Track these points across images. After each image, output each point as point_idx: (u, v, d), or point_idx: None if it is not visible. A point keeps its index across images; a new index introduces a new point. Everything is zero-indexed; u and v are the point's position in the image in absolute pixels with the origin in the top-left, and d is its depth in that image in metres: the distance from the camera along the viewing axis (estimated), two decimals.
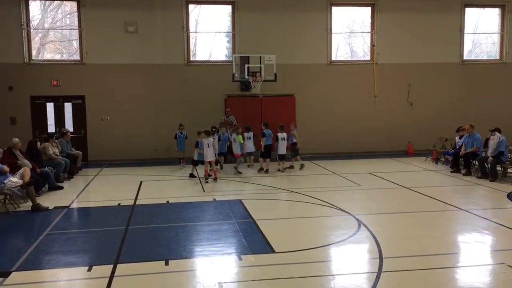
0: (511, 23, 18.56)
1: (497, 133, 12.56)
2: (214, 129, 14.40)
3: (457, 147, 14.02)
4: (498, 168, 12.45)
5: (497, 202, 10.19)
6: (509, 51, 18.62)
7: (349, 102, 17.80)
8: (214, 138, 14.17)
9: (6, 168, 9.50)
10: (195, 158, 12.98)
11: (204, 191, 11.39)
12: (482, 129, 13.65)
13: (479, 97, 18.38)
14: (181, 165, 14.83)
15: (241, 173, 13.61)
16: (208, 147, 12.53)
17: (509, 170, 12.58)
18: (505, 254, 6.64)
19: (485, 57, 19.44)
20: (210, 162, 12.57)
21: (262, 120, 16.94)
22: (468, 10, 18.45)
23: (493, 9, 18.92)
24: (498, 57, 18.97)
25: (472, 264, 6.34)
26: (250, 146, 14.38)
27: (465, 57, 18.63)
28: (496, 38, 19.11)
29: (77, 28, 16.56)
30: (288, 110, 17.16)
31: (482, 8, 18.97)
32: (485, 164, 12.59)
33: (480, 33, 19.43)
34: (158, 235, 7.77)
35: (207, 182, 12.31)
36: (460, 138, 14.11)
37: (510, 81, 18.64)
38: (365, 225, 8.05)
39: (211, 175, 12.59)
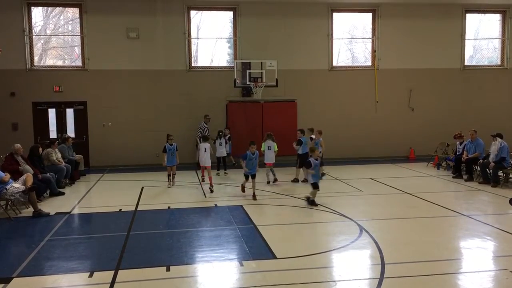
0: None
1: (498, 139, 12.55)
2: (220, 133, 14.64)
3: (458, 153, 14.00)
4: (500, 173, 12.43)
5: (499, 207, 10.16)
6: (510, 57, 18.63)
7: (350, 108, 17.81)
8: (221, 143, 14.36)
9: (5, 177, 9.49)
10: (313, 181, 10.23)
11: (205, 197, 11.39)
12: (483, 135, 13.65)
13: (480, 102, 18.38)
14: (170, 183, 12.76)
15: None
16: (205, 151, 12.29)
17: (511, 175, 12.56)
18: (507, 260, 6.62)
19: (486, 63, 19.43)
20: (206, 168, 12.34)
21: (263, 125, 17.04)
22: (469, 16, 18.49)
23: (494, 14, 18.94)
24: (499, 63, 18.98)
25: (474, 270, 6.32)
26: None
27: (466, 63, 18.64)
28: (497, 43, 19.13)
29: (79, 34, 16.62)
30: (289, 115, 17.22)
31: (483, 14, 19.00)
32: (487, 169, 12.58)
33: (481, 39, 19.45)
34: (160, 241, 7.77)
35: (211, 189, 11.85)
36: (460, 144, 14.10)
37: (511, 87, 18.65)
38: (366, 231, 8.03)
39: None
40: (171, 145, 12.70)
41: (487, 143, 13.35)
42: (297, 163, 13.47)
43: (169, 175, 12.78)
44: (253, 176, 11.03)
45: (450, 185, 12.83)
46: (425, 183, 13.17)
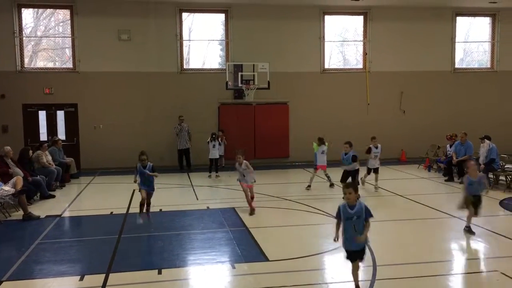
0: (501, 32, 18.74)
1: (486, 141, 12.62)
2: (214, 136, 14.74)
3: (448, 156, 14.07)
4: (490, 175, 12.50)
5: (490, 209, 10.19)
6: (500, 60, 18.80)
7: (342, 110, 17.85)
8: (214, 145, 14.40)
9: None
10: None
11: (197, 199, 11.36)
12: (474, 137, 13.72)
13: (470, 105, 18.50)
14: (143, 213, 9.14)
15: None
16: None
17: (501, 177, 12.65)
18: (498, 261, 6.66)
19: (476, 66, 19.61)
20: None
21: (255, 128, 17.04)
22: (459, 19, 18.65)
23: (484, 18, 19.11)
24: (489, 66, 19.16)
25: (466, 271, 6.36)
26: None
27: (456, 66, 18.79)
28: (487, 46, 19.30)
29: (70, 36, 16.52)
30: (281, 118, 17.24)
31: (473, 17, 19.18)
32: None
33: (471, 42, 19.64)
34: (151, 244, 7.74)
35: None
36: (450, 146, 14.19)
37: (501, 89, 18.80)
38: None
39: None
40: (144, 166, 9.19)
41: (477, 145, 13.42)
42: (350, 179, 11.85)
43: (141, 204, 9.13)
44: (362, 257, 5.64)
45: (441, 187, 12.90)
46: (416, 185, 13.23)
